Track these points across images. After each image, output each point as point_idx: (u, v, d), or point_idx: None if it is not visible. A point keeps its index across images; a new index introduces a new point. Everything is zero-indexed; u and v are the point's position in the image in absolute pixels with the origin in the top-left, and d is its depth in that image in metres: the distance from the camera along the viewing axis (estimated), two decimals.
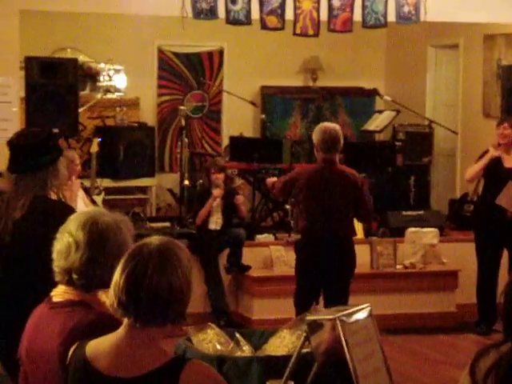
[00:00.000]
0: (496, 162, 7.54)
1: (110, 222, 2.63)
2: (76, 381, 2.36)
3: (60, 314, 2.59)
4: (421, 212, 8.96)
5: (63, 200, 3.93)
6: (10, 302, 3.47)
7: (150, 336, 2.26)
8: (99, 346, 2.34)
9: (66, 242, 2.62)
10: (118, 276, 2.27)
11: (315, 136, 6.33)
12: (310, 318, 2.90)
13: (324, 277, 6.28)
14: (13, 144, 3.75)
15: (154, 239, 2.32)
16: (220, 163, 8.34)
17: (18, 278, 3.52)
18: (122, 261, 2.29)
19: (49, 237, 3.36)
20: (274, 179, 7.12)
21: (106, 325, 2.42)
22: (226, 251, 8.01)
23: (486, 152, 7.68)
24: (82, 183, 7.33)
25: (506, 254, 7.70)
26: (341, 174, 6.32)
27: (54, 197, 3.69)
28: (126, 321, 2.29)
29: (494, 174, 7.54)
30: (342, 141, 6.33)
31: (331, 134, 6.24)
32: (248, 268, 7.98)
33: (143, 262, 2.25)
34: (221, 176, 8.03)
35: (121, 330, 2.31)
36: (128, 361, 2.27)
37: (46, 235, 3.40)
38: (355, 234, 6.72)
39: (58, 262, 2.64)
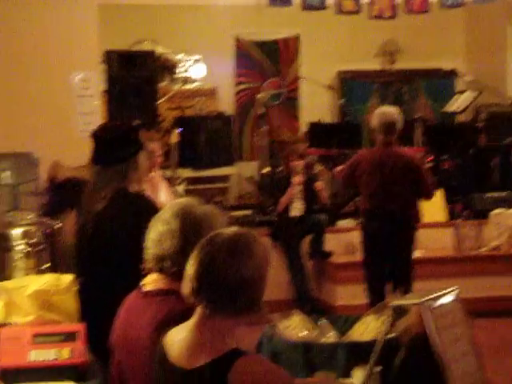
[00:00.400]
0: None
1: (204, 213, 2.67)
2: (156, 369, 2.40)
3: (152, 303, 2.64)
4: (505, 193, 8.80)
5: (143, 193, 3.97)
6: (96, 291, 3.53)
7: (219, 325, 2.27)
8: (175, 335, 2.37)
9: (160, 230, 2.66)
10: (191, 263, 2.30)
11: (374, 120, 6.58)
12: (395, 303, 2.87)
13: (388, 253, 6.57)
14: (95, 137, 3.80)
15: (230, 230, 2.33)
16: (299, 150, 8.31)
17: (102, 268, 3.58)
18: (196, 248, 2.31)
19: (129, 229, 3.41)
20: (342, 167, 7.18)
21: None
22: (308, 238, 8.00)
23: None
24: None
25: None
26: (399, 156, 6.56)
27: (134, 189, 3.73)
28: (198, 309, 2.31)
29: None
30: (400, 123, 6.54)
31: (388, 118, 6.51)
32: (330, 254, 7.97)
33: (214, 251, 2.27)
34: (300, 163, 8.01)
35: (193, 319, 2.33)
36: (192, 351, 2.29)
37: (126, 228, 3.46)
38: (417, 212, 6.75)
39: (151, 250, 2.68)
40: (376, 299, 6.33)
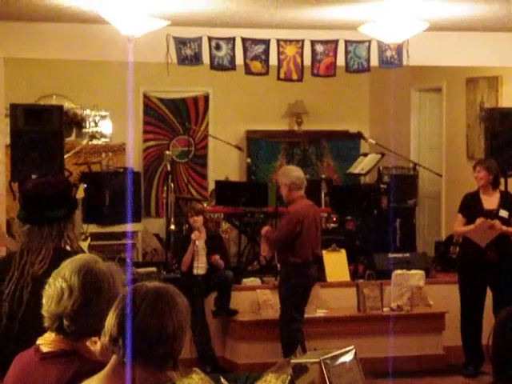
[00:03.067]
0: (476, 204, 7.57)
1: (105, 270, 2.63)
2: None
3: (54, 364, 2.56)
4: (407, 254, 8.98)
5: (82, 250, 3.82)
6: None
7: (132, 375, 2.26)
8: None
9: (58, 287, 2.60)
10: (112, 311, 2.29)
11: (286, 177, 7.24)
12: (294, 361, 2.89)
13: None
14: (27, 195, 3.62)
15: (154, 283, 2.34)
16: (197, 206, 8.39)
17: (33, 334, 3.26)
18: (118, 298, 2.31)
19: None
20: (268, 228, 7.69)
21: None
22: (213, 295, 7.98)
23: (467, 197, 7.72)
24: None
25: (489, 295, 7.71)
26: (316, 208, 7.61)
27: (72, 248, 3.56)
28: (114, 357, 2.29)
29: (474, 215, 7.55)
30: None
31: (301, 173, 7.33)
32: (235, 312, 7.96)
33: (138, 300, 2.27)
34: (199, 219, 8.03)
35: (106, 368, 2.32)
36: None
37: None
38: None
39: (48, 307, 2.61)
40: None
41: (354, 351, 2.97)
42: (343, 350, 2.95)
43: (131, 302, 2.27)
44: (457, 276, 7.95)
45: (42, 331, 2.67)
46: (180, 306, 2.30)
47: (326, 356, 2.82)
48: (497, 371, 2.62)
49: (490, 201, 7.59)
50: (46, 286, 2.65)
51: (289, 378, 2.89)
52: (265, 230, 7.65)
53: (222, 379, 3.33)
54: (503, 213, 7.54)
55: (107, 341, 2.27)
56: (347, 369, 2.89)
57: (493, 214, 7.52)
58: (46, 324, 2.62)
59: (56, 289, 2.61)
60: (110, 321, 2.28)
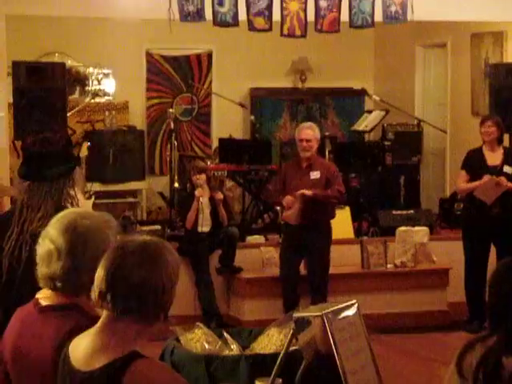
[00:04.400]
0: (480, 160, 7.56)
1: (93, 226, 2.60)
2: (59, 376, 2.38)
3: (52, 317, 2.56)
4: (411, 211, 8.99)
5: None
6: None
7: (123, 329, 2.26)
8: (79, 341, 2.35)
9: (47, 249, 2.58)
10: (100, 266, 2.30)
11: (318, 132, 7.65)
12: (297, 315, 2.90)
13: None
14: (28, 151, 3.61)
15: (143, 237, 2.33)
16: (199, 164, 8.36)
17: (32, 290, 3.27)
18: (106, 253, 2.31)
19: None
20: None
21: None
22: (218, 252, 8.00)
23: (470, 153, 7.71)
24: None
25: (493, 251, 7.71)
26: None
27: (73, 206, 3.56)
28: (104, 313, 2.30)
29: (478, 171, 7.55)
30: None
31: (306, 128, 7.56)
32: (239, 270, 7.98)
33: (125, 254, 2.27)
34: (202, 177, 8.03)
35: (98, 323, 2.32)
36: (94, 353, 2.27)
37: None
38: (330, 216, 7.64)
39: (40, 268, 2.61)
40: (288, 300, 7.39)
41: (356, 305, 2.98)
42: (345, 304, 2.96)
43: (119, 256, 2.27)
44: (461, 232, 7.95)
45: (40, 288, 2.68)
46: (168, 259, 2.29)
47: (328, 310, 2.83)
48: (493, 322, 2.63)
49: (494, 157, 7.57)
50: (37, 246, 2.64)
51: (291, 331, 2.90)
52: (306, 192, 7.41)
53: (225, 333, 3.36)
54: (507, 169, 7.53)
55: (97, 295, 2.28)
56: (349, 322, 2.90)
57: (497, 170, 7.51)
58: (40, 284, 2.63)
59: (45, 251, 2.60)
60: (98, 275, 2.28)
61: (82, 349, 2.32)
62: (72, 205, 3.54)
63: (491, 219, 7.49)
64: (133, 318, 2.25)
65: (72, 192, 3.56)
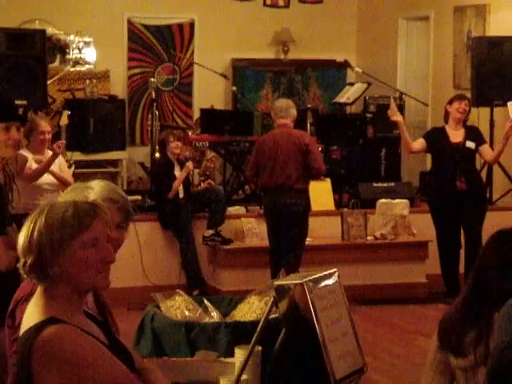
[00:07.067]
0: (443, 138, 7.67)
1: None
2: None
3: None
4: (392, 184, 9.00)
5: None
6: None
7: (45, 294, 2.26)
8: (27, 308, 2.37)
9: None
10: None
11: (271, 108, 7.70)
12: (277, 282, 2.90)
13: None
14: None
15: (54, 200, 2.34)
16: (178, 133, 8.41)
17: None
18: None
19: None
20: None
21: None
22: (202, 221, 8.01)
23: (434, 131, 7.93)
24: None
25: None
26: (292, 135, 7.38)
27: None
28: None
29: (441, 148, 7.69)
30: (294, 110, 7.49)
31: (283, 103, 7.50)
32: (230, 241, 7.97)
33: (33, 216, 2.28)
34: (180, 144, 8.07)
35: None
36: (25, 320, 2.28)
37: None
38: (304, 186, 7.45)
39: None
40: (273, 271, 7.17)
41: (336, 274, 2.99)
42: (326, 273, 2.96)
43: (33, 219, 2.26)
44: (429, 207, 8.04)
45: None
46: (51, 221, 2.24)
47: (308, 278, 2.83)
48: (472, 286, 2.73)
49: (457, 134, 7.70)
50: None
51: (272, 299, 2.90)
52: None
53: (206, 301, 3.35)
54: (470, 144, 7.67)
55: (21, 264, 2.27)
56: (330, 291, 2.91)
57: (459, 147, 7.62)
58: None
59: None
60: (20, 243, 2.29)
61: (24, 317, 2.33)
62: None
63: (457, 193, 7.58)
64: (47, 281, 2.24)
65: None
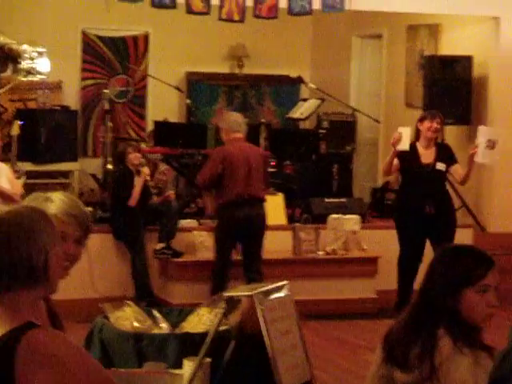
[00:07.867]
0: (414, 158, 7.44)
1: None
2: None
3: None
4: (343, 199, 9.06)
5: None
6: None
7: (14, 299, 2.20)
8: None
9: None
10: None
11: (223, 122, 7.67)
12: (227, 294, 2.90)
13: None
14: None
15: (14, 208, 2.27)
16: (136, 145, 8.43)
17: None
18: None
19: None
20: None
21: None
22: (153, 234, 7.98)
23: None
24: None
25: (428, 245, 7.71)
26: (254, 149, 7.69)
27: None
28: None
29: (410, 169, 7.47)
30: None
31: (239, 117, 7.59)
32: (181, 254, 7.95)
33: None
34: (139, 155, 8.05)
35: None
36: None
37: None
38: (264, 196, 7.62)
39: None
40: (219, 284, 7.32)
41: (287, 286, 3.00)
42: (277, 285, 2.97)
43: None
44: (392, 222, 7.92)
45: None
46: (29, 226, 2.20)
47: (258, 290, 2.83)
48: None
49: (427, 154, 7.46)
50: None
51: (222, 311, 2.90)
52: None
53: (155, 312, 3.34)
54: (440, 166, 7.46)
55: None
56: (280, 303, 2.91)
57: (430, 168, 7.43)
58: None
59: None
60: None
61: None
62: None
63: (425, 216, 7.40)
64: (15, 287, 2.19)
65: None
